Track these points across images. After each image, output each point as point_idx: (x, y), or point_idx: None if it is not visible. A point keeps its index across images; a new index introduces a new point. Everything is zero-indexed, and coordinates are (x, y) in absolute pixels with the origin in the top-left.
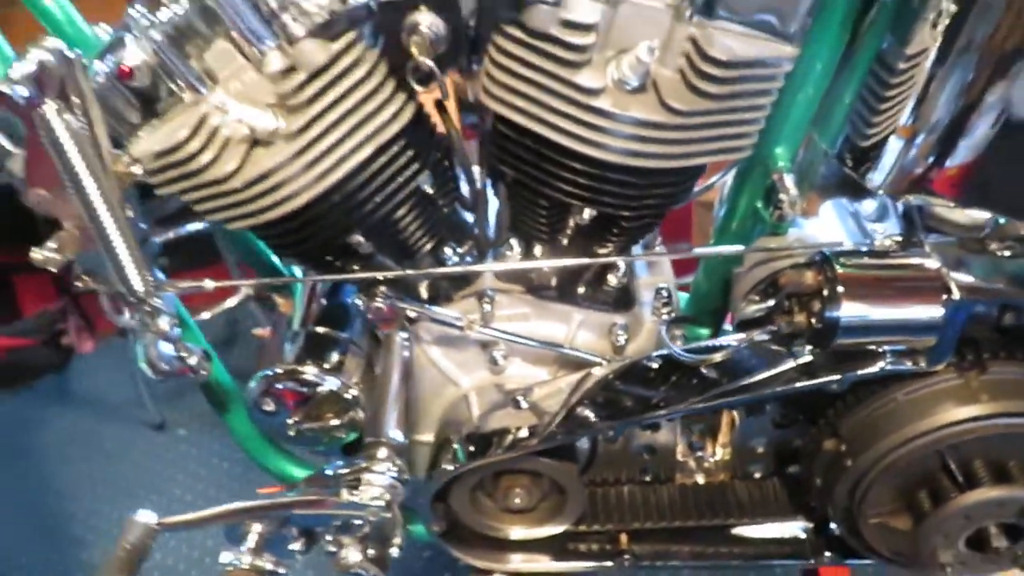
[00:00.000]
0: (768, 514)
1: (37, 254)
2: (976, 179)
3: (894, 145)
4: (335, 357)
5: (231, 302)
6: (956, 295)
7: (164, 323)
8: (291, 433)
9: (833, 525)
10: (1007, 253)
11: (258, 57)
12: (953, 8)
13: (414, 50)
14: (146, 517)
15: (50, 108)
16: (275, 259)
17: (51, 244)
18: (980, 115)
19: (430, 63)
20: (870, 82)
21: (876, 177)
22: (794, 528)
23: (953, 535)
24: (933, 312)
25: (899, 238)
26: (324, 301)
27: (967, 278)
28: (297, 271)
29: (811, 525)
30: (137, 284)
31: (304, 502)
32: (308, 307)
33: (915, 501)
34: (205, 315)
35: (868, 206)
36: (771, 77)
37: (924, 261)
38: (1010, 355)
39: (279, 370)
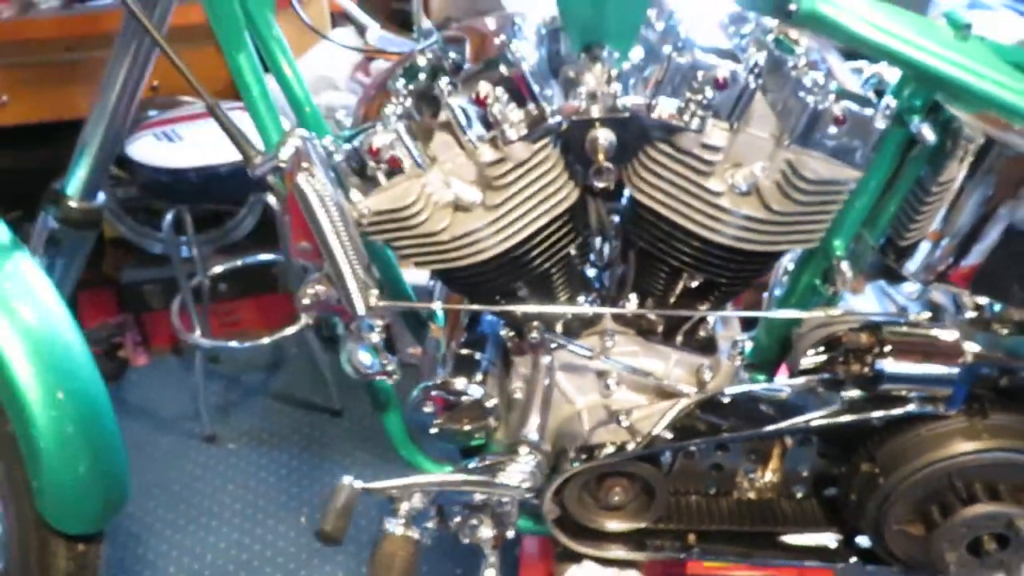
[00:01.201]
0: (806, 526)
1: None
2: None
3: (924, 245)
4: (478, 374)
5: (291, 330)
6: (968, 359)
7: (375, 336)
8: (434, 431)
9: (859, 538)
10: (1005, 331)
11: (472, 148)
12: (979, 146)
13: (599, 155)
14: (350, 481)
15: (305, 178)
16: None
17: (313, 285)
18: (991, 227)
19: (610, 165)
20: (910, 198)
21: (910, 267)
22: (827, 538)
23: (957, 541)
24: (950, 370)
25: (929, 314)
26: (465, 328)
27: (975, 347)
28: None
29: (841, 536)
30: (360, 307)
31: (471, 481)
32: (453, 332)
33: (928, 513)
34: (265, 340)
35: (906, 288)
36: (840, 191)
37: (946, 332)
38: (1005, 407)
39: (438, 380)
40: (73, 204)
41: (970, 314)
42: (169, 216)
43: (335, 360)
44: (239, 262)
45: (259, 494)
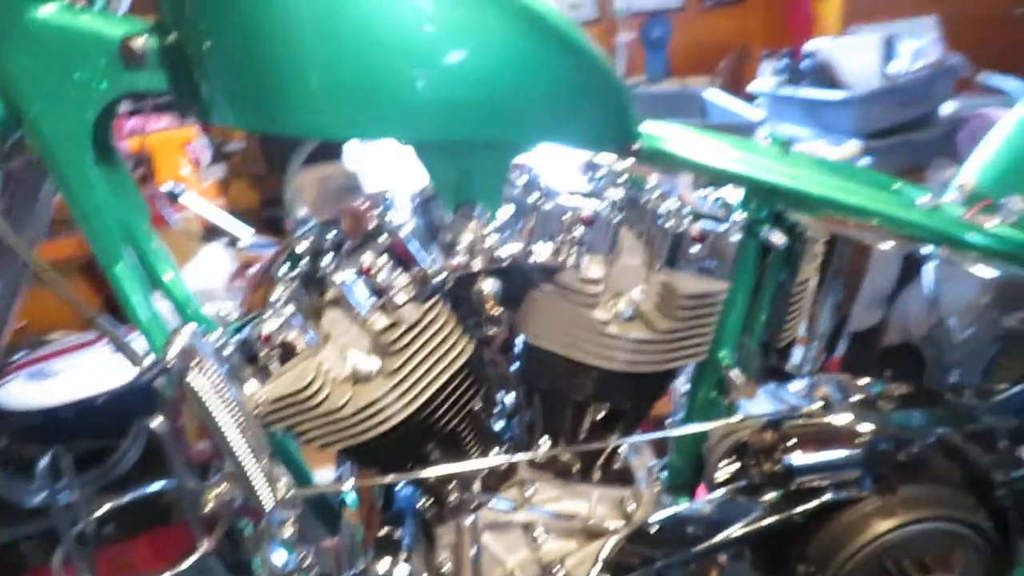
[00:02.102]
0: None
1: (208, 502)
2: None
3: (800, 343)
4: (402, 554)
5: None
6: (865, 439)
7: (288, 530)
8: None
9: None
10: (890, 407)
11: (363, 319)
12: (824, 243)
13: (488, 305)
14: None
15: (196, 375)
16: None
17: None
18: (851, 315)
19: (499, 313)
20: (776, 300)
21: (792, 364)
22: None
23: None
24: (852, 452)
25: (820, 404)
26: (381, 508)
27: (870, 426)
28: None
29: None
30: (269, 500)
31: None
32: (369, 514)
33: None
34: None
35: (792, 387)
36: (714, 303)
37: (839, 418)
38: (910, 479)
39: (360, 569)
40: None
41: (856, 397)
42: (44, 461)
43: None
44: (126, 498)
45: None
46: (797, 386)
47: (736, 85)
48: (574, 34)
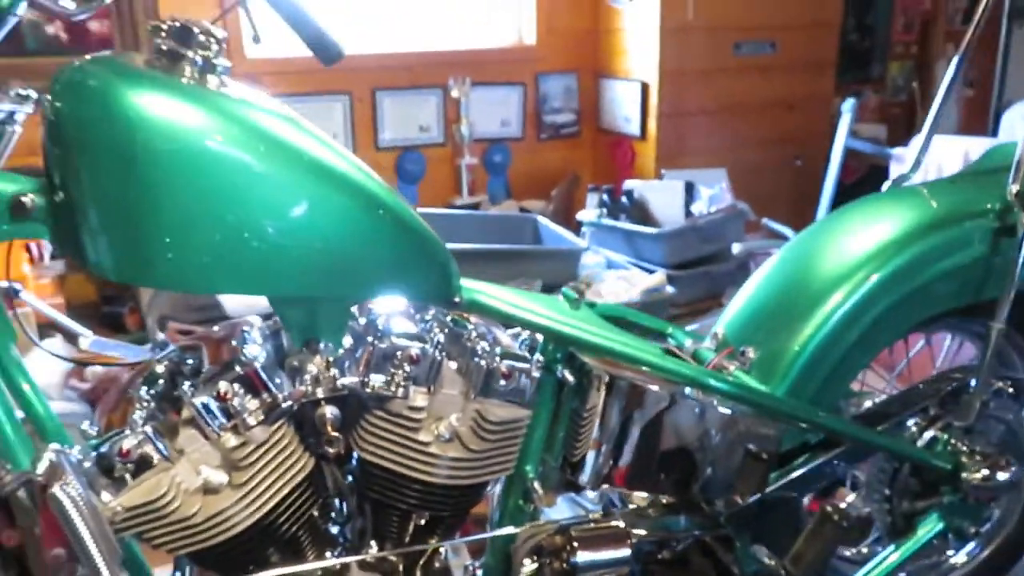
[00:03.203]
0: None
1: None
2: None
3: (590, 457)
4: None
5: None
6: (633, 540)
7: None
8: None
9: None
10: (656, 514)
11: (216, 437)
12: (606, 381)
13: (328, 428)
14: None
15: (61, 488)
16: None
17: None
18: (632, 431)
19: (338, 434)
20: (571, 424)
21: (583, 479)
22: None
23: None
24: (624, 552)
25: (601, 512)
26: None
27: (640, 531)
28: None
29: None
30: None
31: None
32: None
33: None
34: None
35: (588, 494)
36: (519, 427)
37: (615, 523)
38: (670, 573)
39: None
40: None
41: (632, 506)
42: None
43: None
44: None
45: None
46: (591, 495)
47: (567, 210)
48: (407, 212)
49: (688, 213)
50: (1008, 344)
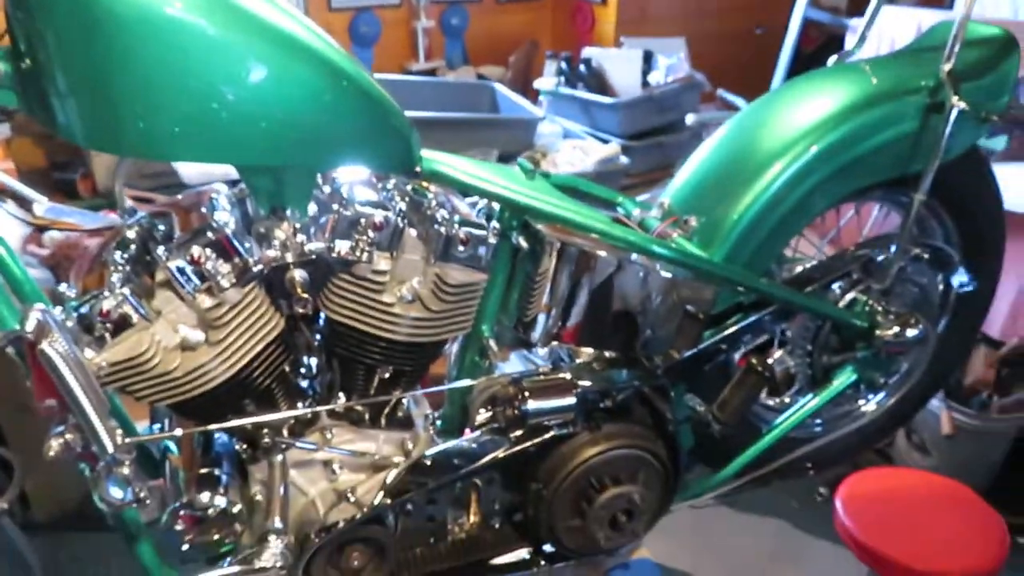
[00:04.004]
0: (506, 547)
1: (52, 449)
2: (583, 331)
3: (541, 317)
4: (220, 488)
5: None
6: (578, 390)
7: (125, 469)
8: (186, 548)
9: (545, 547)
10: (600, 368)
11: (191, 299)
12: (557, 247)
13: (297, 290)
14: None
15: (49, 344)
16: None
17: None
18: (579, 294)
19: (307, 296)
20: (524, 287)
21: (534, 337)
22: (523, 553)
23: (602, 521)
24: (570, 400)
25: (550, 366)
26: (200, 453)
27: (585, 382)
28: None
29: (532, 548)
30: (109, 446)
31: (232, 574)
32: (190, 458)
33: (580, 508)
34: None
35: (539, 351)
36: (476, 289)
37: (562, 375)
38: (611, 420)
39: (184, 500)
40: None
41: (578, 361)
42: None
43: (39, 540)
44: None
45: None
46: (542, 351)
47: (526, 76)
48: (368, 83)
49: (645, 83)
50: (930, 214)
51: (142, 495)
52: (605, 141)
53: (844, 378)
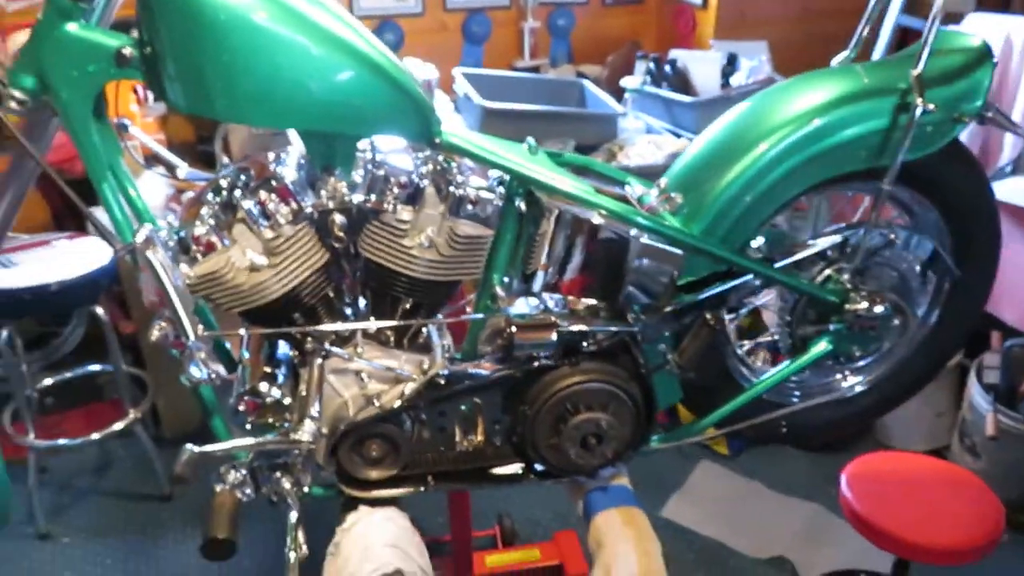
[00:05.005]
0: (503, 461)
1: (154, 332)
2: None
3: (540, 273)
4: (277, 383)
5: (119, 425)
6: (558, 330)
7: (202, 354)
8: (248, 427)
9: (536, 466)
10: (583, 312)
11: (259, 231)
12: (556, 213)
13: (337, 231)
14: (190, 447)
15: (152, 253)
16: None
17: (160, 326)
18: (574, 254)
19: (344, 236)
20: (527, 244)
21: (534, 287)
22: (516, 468)
23: (574, 441)
24: (551, 337)
25: (540, 310)
26: (265, 358)
27: (563, 325)
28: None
29: (524, 465)
30: (191, 334)
31: (276, 440)
32: (256, 359)
33: (557, 428)
34: (95, 435)
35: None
36: (484, 242)
37: (544, 317)
38: (589, 358)
39: (248, 387)
40: None
41: (569, 309)
42: (4, 333)
43: (166, 453)
44: (68, 374)
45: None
46: (548, 302)
47: (623, 75)
48: (402, 75)
49: (726, 84)
50: (920, 206)
51: (214, 376)
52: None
53: (819, 348)
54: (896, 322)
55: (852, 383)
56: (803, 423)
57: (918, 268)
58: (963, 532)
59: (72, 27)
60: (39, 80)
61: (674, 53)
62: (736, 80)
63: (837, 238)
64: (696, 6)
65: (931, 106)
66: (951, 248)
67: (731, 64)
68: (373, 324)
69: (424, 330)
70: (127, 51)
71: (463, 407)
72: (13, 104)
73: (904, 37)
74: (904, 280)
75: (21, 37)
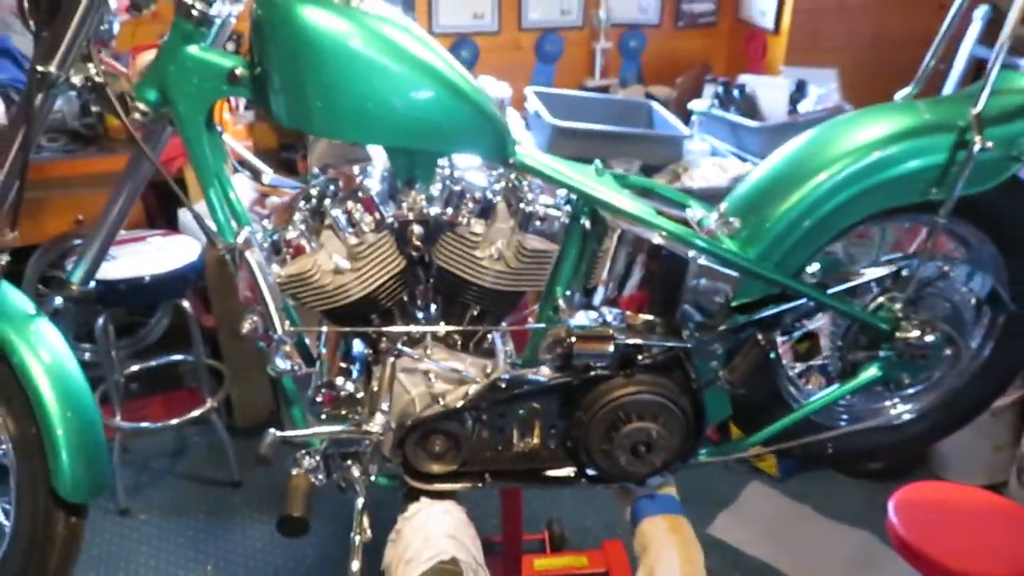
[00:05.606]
0: (557, 464)
1: (246, 325)
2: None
3: (602, 287)
4: (351, 379)
5: (197, 411)
6: (615, 343)
7: (287, 348)
8: (323, 416)
9: (588, 470)
10: (640, 327)
11: (344, 237)
12: (618, 232)
13: (415, 240)
14: (272, 432)
15: (250, 253)
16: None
17: (251, 320)
18: (634, 271)
19: (420, 245)
20: (590, 259)
21: (595, 301)
22: (569, 471)
23: (625, 449)
24: (608, 348)
25: (599, 323)
26: (342, 354)
27: (621, 337)
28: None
29: (576, 469)
30: (279, 328)
31: (349, 429)
32: (333, 356)
33: (609, 435)
34: (174, 420)
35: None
36: (548, 256)
37: (602, 330)
38: (644, 370)
39: (325, 380)
40: (75, 288)
41: (628, 323)
42: (100, 321)
43: (238, 441)
44: (153, 362)
45: (169, 553)
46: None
47: (692, 97)
48: (481, 98)
49: (793, 110)
50: (978, 240)
51: (296, 368)
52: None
53: (868, 373)
54: (947, 352)
55: (901, 410)
56: (851, 447)
57: (973, 301)
58: (1013, 566)
59: (193, 48)
60: (161, 94)
61: (743, 78)
62: (804, 107)
63: (890, 268)
64: (768, 31)
65: (989, 144)
66: (1007, 283)
67: (800, 91)
68: (442, 328)
69: (489, 336)
70: (239, 71)
71: (521, 410)
72: (137, 115)
73: (980, 70)
74: (957, 311)
75: (147, 57)
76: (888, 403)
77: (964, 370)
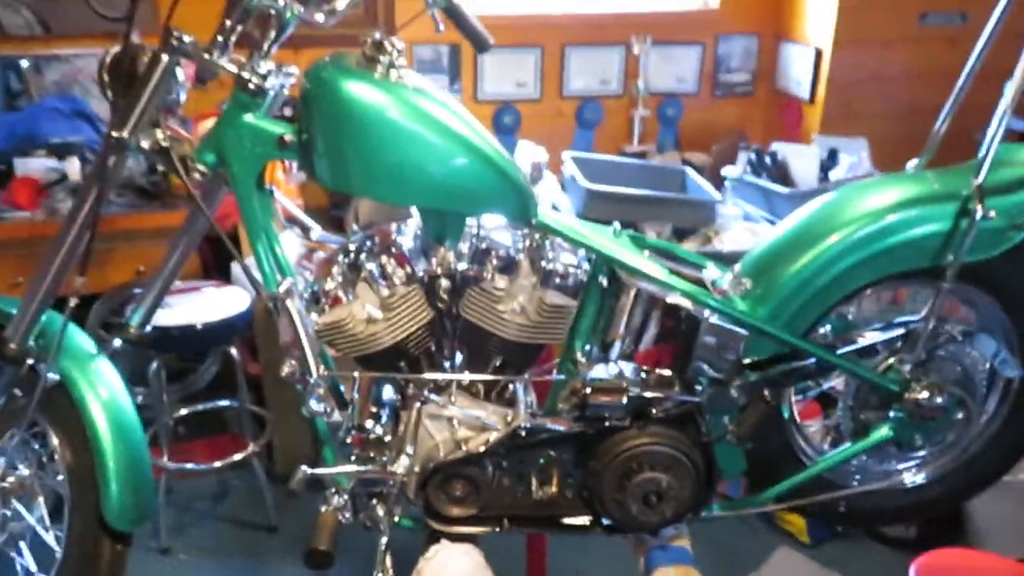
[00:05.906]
0: (573, 512)
1: (285, 369)
2: (650, 355)
3: (618, 342)
4: (380, 423)
5: (239, 455)
6: (628, 395)
7: (321, 391)
8: (352, 458)
9: (603, 520)
10: (651, 381)
11: (378, 289)
12: (634, 290)
13: (442, 294)
14: (303, 467)
15: (291, 302)
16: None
17: (290, 364)
18: (649, 326)
19: (447, 299)
20: (607, 317)
21: (612, 355)
22: (585, 520)
23: (636, 497)
24: (620, 400)
25: (612, 376)
26: (372, 400)
27: (634, 390)
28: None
29: (592, 518)
30: (315, 372)
31: (375, 469)
32: (364, 400)
33: (622, 484)
34: (217, 463)
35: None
36: (568, 311)
37: (614, 383)
38: (656, 423)
39: (355, 423)
40: (133, 331)
41: (642, 377)
42: (154, 365)
43: (276, 489)
44: (200, 406)
45: None
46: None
47: (729, 163)
48: (509, 165)
49: (825, 177)
50: (987, 304)
51: (330, 411)
52: None
53: (879, 433)
54: (959, 415)
55: (915, 472)
56: (867, 507)
57: (984, 364)
58: None
59: (248, 116)
60: (218, 156)
61: (775, 145)
62: (835, 174)
63: (899, 331)
64: (803, 100)
65: (991, 213)
66: (1017, 347)
67: (832, 158)
68: (467, 376)
69: (511, 386)
70: (288, 137)
71: (540, 459)
72: (197, 175)
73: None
74: (968, 374)
75: (208, 124)
76: (901, 465)
77: (979, 433)
